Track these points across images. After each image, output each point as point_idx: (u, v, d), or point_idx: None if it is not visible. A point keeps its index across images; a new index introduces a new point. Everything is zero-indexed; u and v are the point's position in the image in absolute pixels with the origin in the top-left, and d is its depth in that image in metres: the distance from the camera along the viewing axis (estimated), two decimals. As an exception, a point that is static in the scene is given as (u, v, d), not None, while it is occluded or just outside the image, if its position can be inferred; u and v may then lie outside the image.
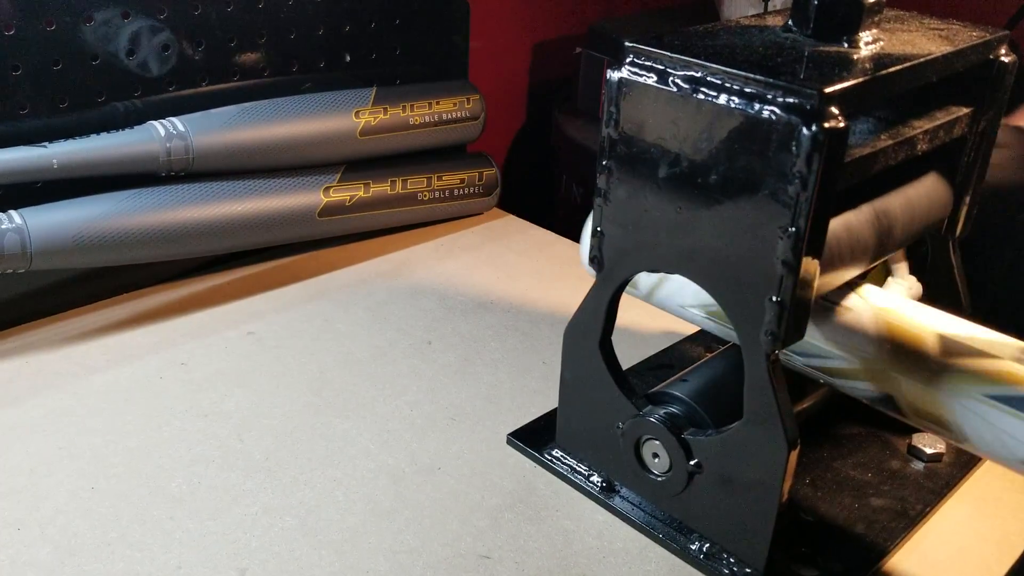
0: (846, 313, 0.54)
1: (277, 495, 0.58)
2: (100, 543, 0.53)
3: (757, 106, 0.43)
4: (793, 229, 0.43)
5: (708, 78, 0.45)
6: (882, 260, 0.58)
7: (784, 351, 0.56)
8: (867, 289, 0.56)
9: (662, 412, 0.54)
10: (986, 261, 0.92)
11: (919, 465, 0.61)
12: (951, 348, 0.51)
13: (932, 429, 0.51)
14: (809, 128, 0.42)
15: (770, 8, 1.02)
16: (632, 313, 0.77)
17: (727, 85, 0.44)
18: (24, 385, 0.68)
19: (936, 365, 0.50)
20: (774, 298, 0.45)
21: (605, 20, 1.21)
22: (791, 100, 0.42)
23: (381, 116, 0.86)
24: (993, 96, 0.56)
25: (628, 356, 0.72)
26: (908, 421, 0.53)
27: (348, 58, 0.90)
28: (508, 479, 0.60)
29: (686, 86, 0.46)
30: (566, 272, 0.88)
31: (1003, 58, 0.55)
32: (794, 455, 0.48)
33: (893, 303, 0.55)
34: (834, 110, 0.42)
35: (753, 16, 0.55)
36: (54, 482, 0.58)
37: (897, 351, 0.52)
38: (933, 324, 0.52)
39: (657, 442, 0.54)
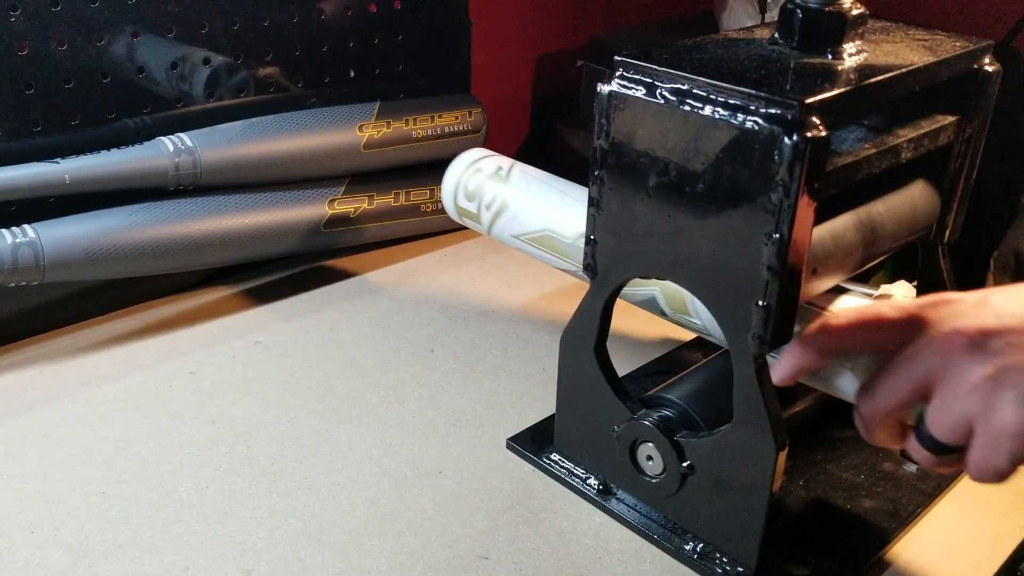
0: None
1: (282, 499, 0.59)
2: (111, 546, 0.55)
3: (741, 117, 0.45)
4: (777, 236, 0.45)
5: (694, 90, 0.47)
6: (872, 264, 0.59)
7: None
8: None
9: (656, 415, 0.56)
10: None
11: (912, 467, 0.62)
12: None
13: (680, 320, 0.60)
14: (791, 138, 0.43)
15: (767, 20, 1.03)
16: (631, 321, 0.78)
17: (712, 97, 0.46)
18: (38, 394, 0.69)
19: None
20: (760, 302, 0.47)
21: (607, 33, 1.23)
22: (773, 111, 0.44)
23: (384, 130, 0.88)
24: (978, 105, 0.57)
25: (626, 362, 0.73)
26: (664, 318, 0.62)
27: (352, 73, 0.92)
28: (507, 482, 0.62)
29: (673, 98, 0.48)
30: (568, 281, 0.89)
31: (987, 67, 0.56)
32: (783, 456, 0.50)
33: None
34: (815, 120, 0.44)
35: (742, 29, 0.57)
36: (66, 487, 0.60)
37: None
38: None
39: (651, 444, 0.56)
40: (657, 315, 0.62)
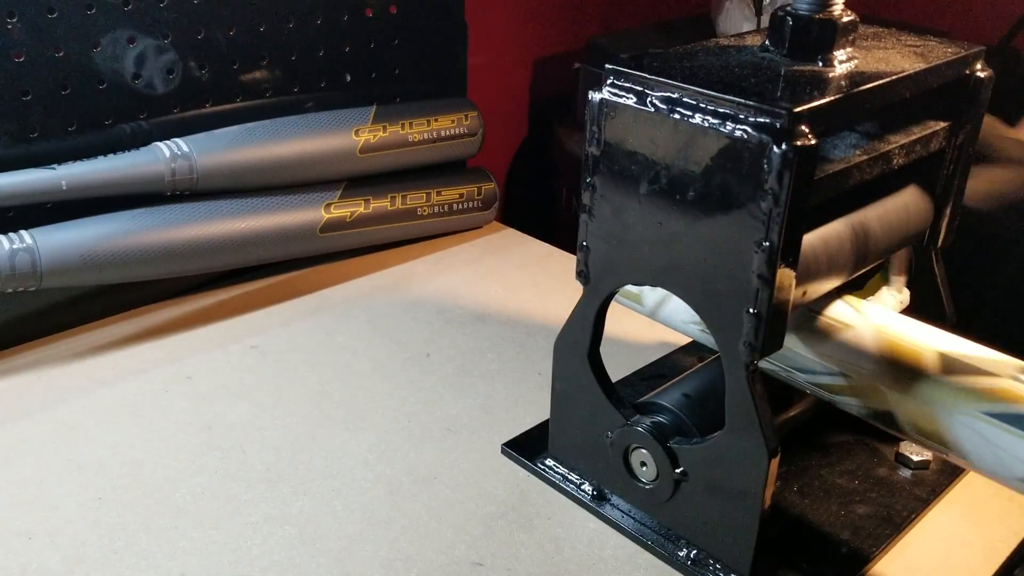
0: (847, 331, 0.55)
1: (277, 505, 0.59)
2: (107, 551, 0.55)
3: (730, 125, 0.45)
4: (767, 243, 0.45)
5: (684, 99, 0.47)
6: (867, 270, 0.59)
7: (786, 368, 0.57)
8: (866, 305, 0.57)
9: (649, 421, 0.56)
10: (989, 273, 0.93)
11: (906, 472, 0.62)
12: (951, 366, 0.51)
13: (931, 447, 0.52)
14: (779, 146, 0.43)
15: (763, 23, 1.03)
16: (627, 324, 0.78)
17: (702, 105, 0.46)
18: (35, 399, 0.70)
19: (936, 383, 0.51)
20: (751, 310, 0.47)
21: (603, 35, 1.23)
22: (762, 119, 0.44)
23: (381, 134, 0.88)
24: (970, 110, 0.57)
25: (623, 366, 0.74)
26: (906, 438, 0.53)
27: (348, 77, 0.92)
28: (502, 488, 0.62)
29: (663, 106, 0.48)
30: (564, 284, 0.89)
31: (979, 73, 0.56)
32: (775, 463, 0.50)
33: (893, 320, 0.55)
34: (804, 128, 0.44)
35: (733, 36, 0.57)
36: (63, 492, 0.60)
37: (897, 369, 0.52)
38: (933, 342, 0.53)
39: (644, 451, 0.56)
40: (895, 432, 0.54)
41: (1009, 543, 0.58)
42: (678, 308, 0.62)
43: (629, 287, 0.63)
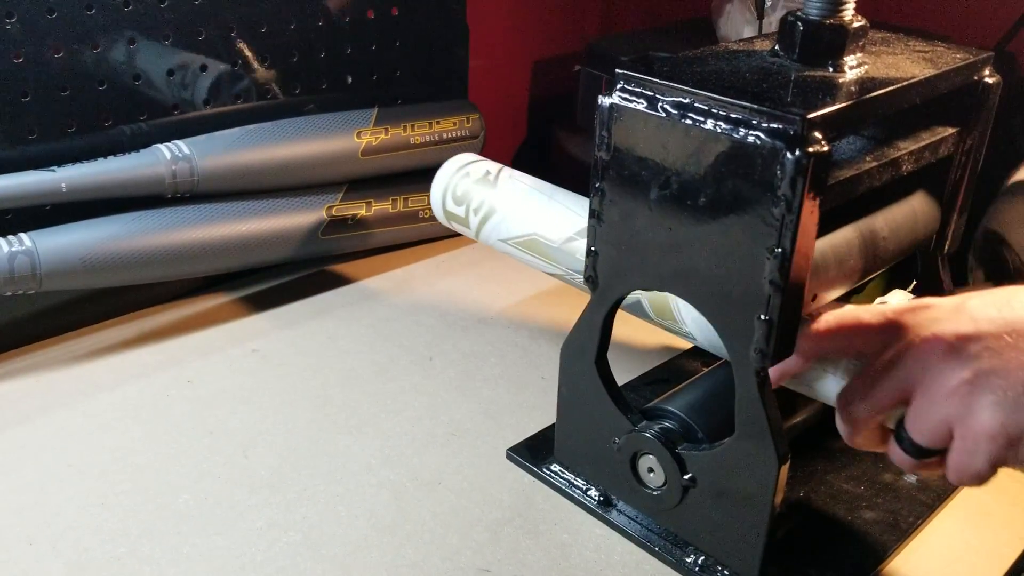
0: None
1: (281, 510, 0.59)
2: (109, 558, 0.55)
3: (742, 131, 0.45)
4: (779, 250, 0.45)
5: (695, 104, 0.47)
6: (873, 276, 0.59)
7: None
8: None
9: (657, 427, 0.55)
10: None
11: (912, 478, 0.62)
12: None
13: (665, 325, 0.60)
14: (793, 152, 0.43)
15: (765, 25, 1.03)
16: (630, 328, 0.78)
17: (714, 111, 0.46)
18: (34, 404, 0.69)
19: None
20: (762, 316, 0.47)
21: (603, 38, 1.23)
22: (775, 125, 0.44)
23: (382, 136, 0.88)
24: (979, 116, 0.57)
25: (626, 370, 0.73)
26: (652, 322, 0.61)
27: (350, 80, 0.92)
28: (507, 493, 0.61)
29: (674, 112, 0.47)
30: (566, 288, 0.89)
31: (987, 79, 0.56)
32: (784, 469, 0.50)
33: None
34: (817, 134, 0.44)
35: (742, 40, 0.56)
36: (64, 498, 0.59)
37: None
38: None
39: (652, 457, 0.55)
40: (644, 320, 0.62)
41: (1015, 548, 0.58)
42: (495, 229, 0.70)
43: (455, 209, 0.73)
